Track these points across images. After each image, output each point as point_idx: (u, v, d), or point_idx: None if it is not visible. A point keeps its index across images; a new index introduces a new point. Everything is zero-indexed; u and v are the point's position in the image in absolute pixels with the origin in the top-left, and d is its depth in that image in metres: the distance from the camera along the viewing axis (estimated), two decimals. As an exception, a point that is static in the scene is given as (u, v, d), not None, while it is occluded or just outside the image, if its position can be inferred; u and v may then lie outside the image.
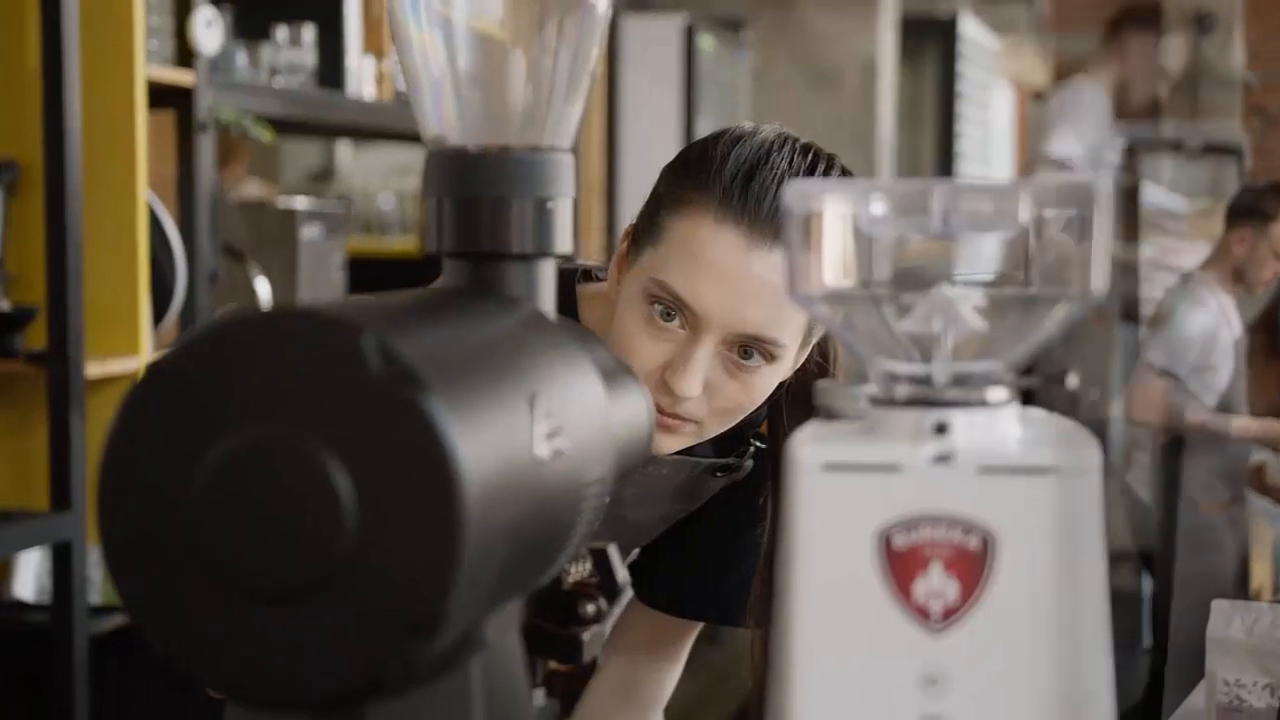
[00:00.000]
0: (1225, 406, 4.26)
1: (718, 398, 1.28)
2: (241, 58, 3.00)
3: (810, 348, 1.36)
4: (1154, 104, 4.72)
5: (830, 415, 0.78)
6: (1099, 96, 4.47)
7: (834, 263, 0.73)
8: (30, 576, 2.71)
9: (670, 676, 1.54)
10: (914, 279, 0.74)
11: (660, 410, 1.27)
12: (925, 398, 0.71)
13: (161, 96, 2.68)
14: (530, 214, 0.82)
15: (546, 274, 0.84)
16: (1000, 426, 0.71)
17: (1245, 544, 4.36)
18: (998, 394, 0.72)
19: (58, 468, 2.38)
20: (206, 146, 2.73)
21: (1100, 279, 0.70)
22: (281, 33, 3.09)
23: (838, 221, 0.72)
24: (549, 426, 0.71)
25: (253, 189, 3.95)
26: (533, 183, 0.82)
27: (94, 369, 2.46)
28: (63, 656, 2.41)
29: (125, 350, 2.54)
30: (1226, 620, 1.96)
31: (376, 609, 0.62)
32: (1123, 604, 4.54)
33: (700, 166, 1.28)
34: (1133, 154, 4.67)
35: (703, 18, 5.53)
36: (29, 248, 2.46)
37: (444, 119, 0.84)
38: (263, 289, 2.97)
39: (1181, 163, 7.11)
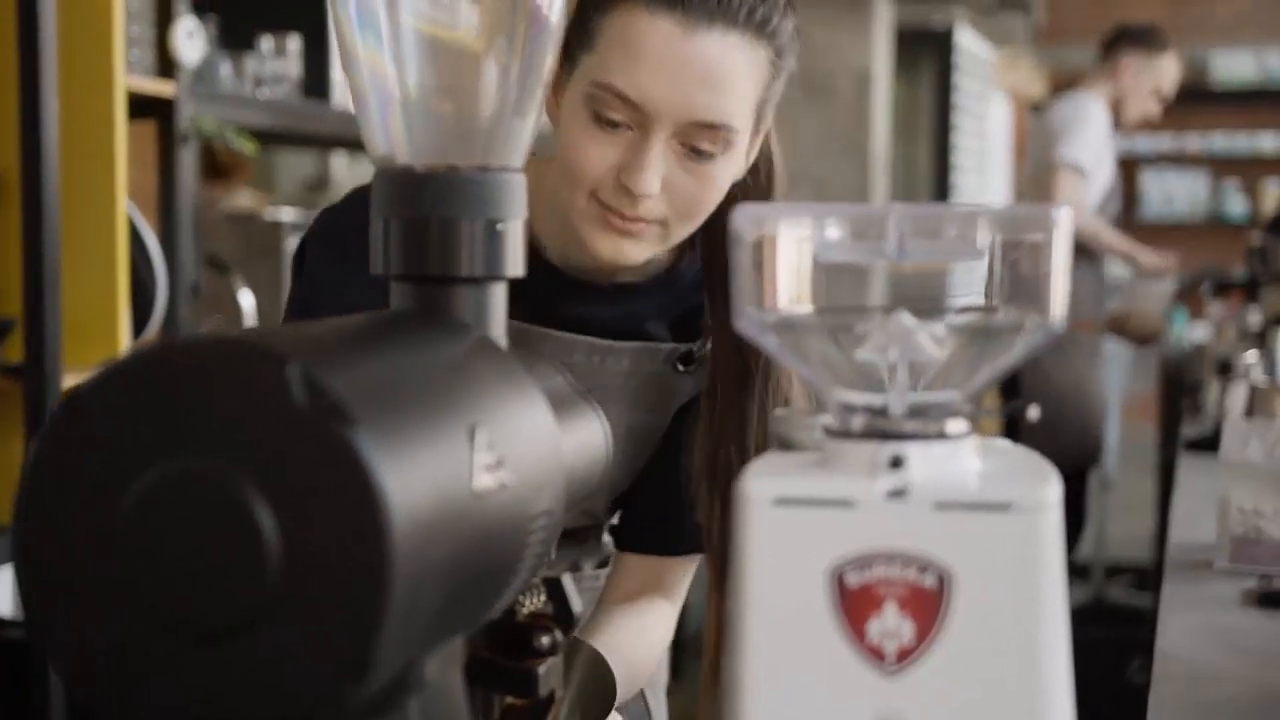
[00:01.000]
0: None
1: (677, 195, 1.26)
2: (226, 68, 2.98)
3: (761, 137, 1.33)
4: (1149, 121, 4.74)
5: (786, 445, 0.75)
6: (1102, 110, 4.51)
7: (786, 288, 0.70)
8: (7, 591, 2.68)
9: (670, 620, 1.49)
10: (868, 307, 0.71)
11: (621, 215, 1.25)
12: (881, 430, 0.69)
13: (143, 107, 2.65)
14: (480, 236, 0.80)
15: (498, 297, 0.81)
16: (958, 460, 0.69)
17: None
18: (956, 425, 0.69)
19: (33, 482, 2.34)
20: (188, 158, 2.71)
21: (1060, 308, 0.67)
22: (266, 43, 3.06)
23: (790, 246, 0.70)
24: (490, 458, 0.68)
25: (245, 199, 3.93)
26: (482, 203, 0.80)
27: (72, 382, 2.43)
28: (39, 672, 2.38)
29: (104, 363, 2.51)
30: (1242, 441, 1.85)
31: (303, 650, 0.59)
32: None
33: None
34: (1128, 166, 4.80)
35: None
36: (6, 259, 2.43)
37: (392, 137, 0.82)
38: (247, 301, 2.94)
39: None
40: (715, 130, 1.23)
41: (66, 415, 0.61)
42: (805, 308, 0.71)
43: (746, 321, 0.70)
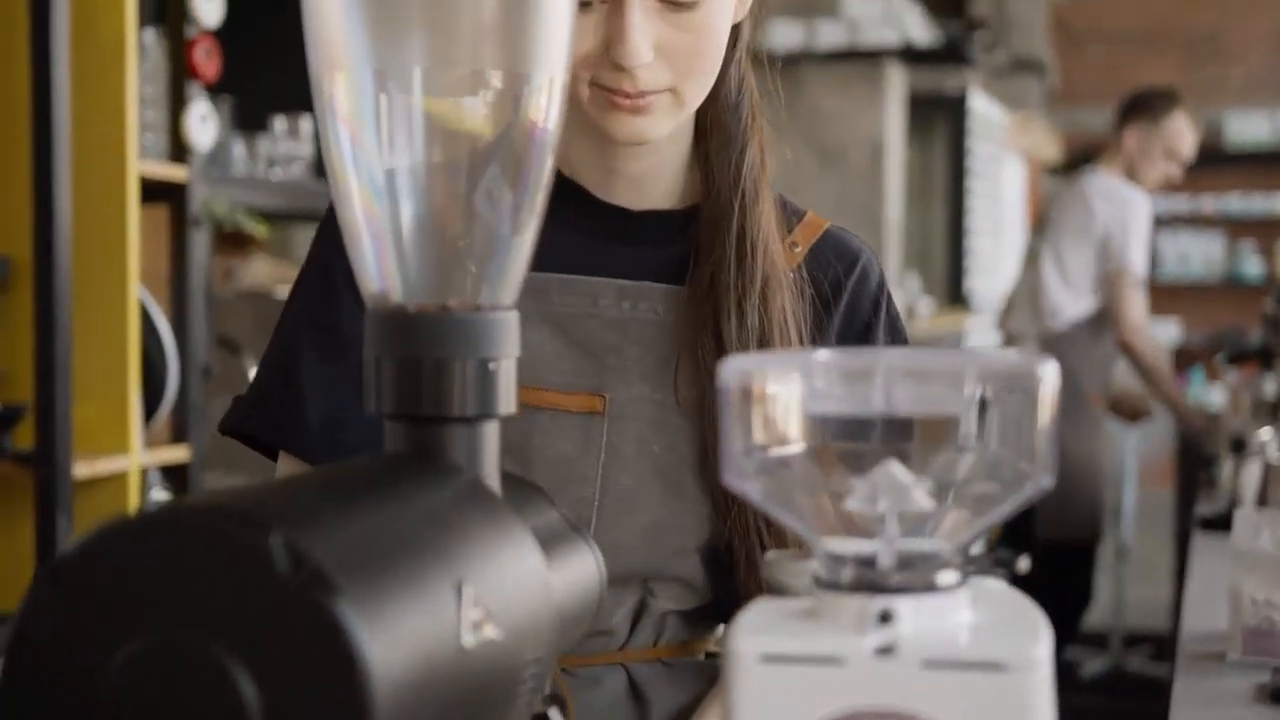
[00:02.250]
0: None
1: (674, 55, 1.18)
2: (239, 148, 3.00)
3: None
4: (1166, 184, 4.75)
5: (777, 590, 0.75)
6: (1143, 200, 4.51)
7: (773, 439, 0.70)
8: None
9: None
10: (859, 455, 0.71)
11: (625, 94, 1.18)
12: (870, 582, 0.68)
13: (155, 191, 2.67)
14: (472, 375, 0.80)
15: (490, 436, 0.81)
16: (949, 613, 0.68)
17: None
18: (946, 577, 0.69)
19: (43, 570, 2.34)
20: (200, 241, 2.72)
21: (1047, 466, 0.67)
22: (279, 124, 3.08)
23: (777, 397, 0.70)
24: (478, 614, 0.68)
25: (261, 267, 3.95)
26: (475, 343, 0.80)
27: (83, 469, 2.44)
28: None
29: (115, 449, 2.51)
30: (1253, 530, 1.82)
31: (286, 820, 0.59)
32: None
33: None
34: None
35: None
36: (18, 345, 2.44)
37: (384, 275, 0.82)
38: (258, 381, 2.94)
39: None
40: None
41: (49, 584, 0.61)
42: (792, 457, 0.70)
43: (732, 471, 0.70)
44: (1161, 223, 10.16)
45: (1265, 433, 3.09)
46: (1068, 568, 4.45)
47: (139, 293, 2.57)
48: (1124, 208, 4.50)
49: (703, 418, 1.24)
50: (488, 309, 0.81)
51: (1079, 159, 10.11)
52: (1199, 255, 10.16)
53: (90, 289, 2.50)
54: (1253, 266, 10.06)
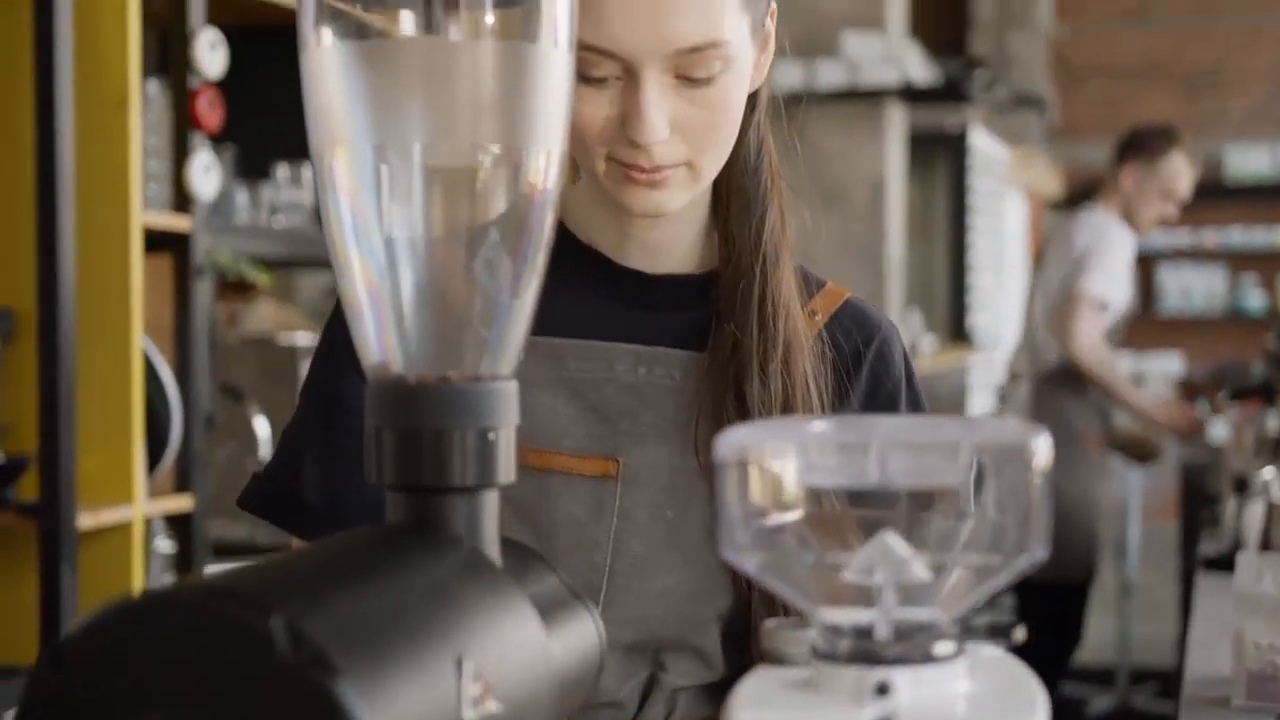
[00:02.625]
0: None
1: (691, 131, 1.16)
2: (242, 196, 3.02)
3: (771, 39, 1.24)
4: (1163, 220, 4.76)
5: (776, 659, 0.75)
6: (1125, 233, 4.52)
7: (769, 511, 0.71)
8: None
9: None
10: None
11: (641, 169, 1.17)
12: (867, 653, 0.69)
13: (159, 241, 2.69)
14: (472, 446, 0.80)
15: (489, 505, 0.82)
16: (946, 683, 0.68)
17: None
18: (943, 648, 0.69)
19: (48, 623, 2.35)
20: (203, 290, 2.74)
21: (1041, 538, 0.68)
22: (282, 171, 3.10)
23: (773, 469, 0.70)
24: (478, 688, 0.69)
25: (266, 311, 3.96)
26: (474, 414, 0.81)
27: (87, 520, 2.44)
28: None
29: (119, 499, 2.52)
30: (1256, 574, 1.81)
31: None
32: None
33: None
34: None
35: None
36: (22, 396, 2.45)
37: (385, 347, 0.82)
38: (261, 428, 2.96)
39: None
40: (703, 52, 1.13)
41: (51, 665, 0.62)
42: (788, 529, 0.71)
43: (729, 543, 0.71)
44: (1163, 256, 10.19)
45: (1268, 472, 3.09)
46: (1060, 607, 4.44)
47: (142, 343, 2.58)
48: (1099, 235, 4.52)
49: None
50: (487, 379, 0.82)
51: (1080, 194, 10.14)
52: (1201, 289, 10.18)
53: (94, 340, 2.51)
54: (1255, 299, 10.07)
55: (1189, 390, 10.04)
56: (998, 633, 0.71)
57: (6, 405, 2.47)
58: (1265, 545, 2.88)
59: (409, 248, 0.81)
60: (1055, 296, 4.55)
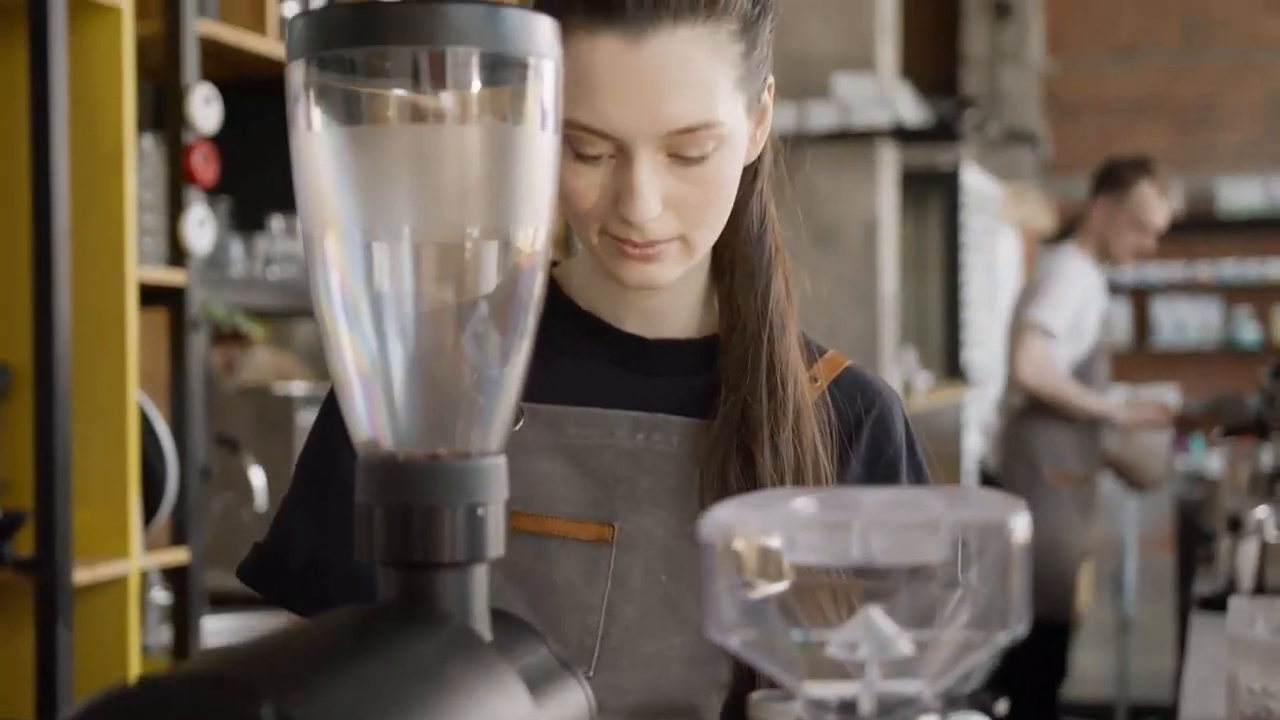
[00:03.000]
0: (1080, 379, 4.52)
1: (684, 207, 1.17)
2: (237, 248, 3.03)
3: (768, 116, 1.24)
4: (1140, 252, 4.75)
5: (764, 732, 0.76)
6: (1085, 267, 4.53)
7: (754, 589, 0.72)
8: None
9: None
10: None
11: (634, 244, 1.17)
12: (852, 729, 0.70)
13: (154, 295, 2.70)
14: (462, 521, 0.82)
15: (479, 579, 0.83)
16: (930, 758, 0.69)
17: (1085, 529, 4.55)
18: (927, 722, 0.70)
19: (44, 678, 2.35)
20: (198, 344, 2.75)
21: (1021, 615, 0.69)
22: (277, 223, 3.12)
23: (757, 548, 0.71)
24: (468, 767, 0.70)
25: (263, 358, 3.97)
26: (464, 490, 0.82)
27: (83, 574, 2.45)
28: None
29: (115, 553, 2.53)
30: (1249, 619, 1.81)
31: None
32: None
33: None
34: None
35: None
36: (18, 451, 2.46)
37: (375, 424, 0.83)
38: (258, 479, 2.96)
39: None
40: (696, 133, 1.14)
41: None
42: (772, 607, 0.72)
43: (713, 621, 0.72)
44: (1157, 290, 10.22)
45: (1261, 511, 3.09)
46: (1043, 646, 4.43)
47: (138, 397, 2.59)
48: (1052, 267, 4.54)
49: None
50: (476, 455, 0.83)
51: (1073, 229, 10.17)
52: (1195, 322, 10.20)
53: (90, 395, 2.52)
54: (1249, 332, 10.10)
55: (1184, 424, 10.06)
56: (980, 704, 0.72)
57: (3, 461, 2.48)
58: (1260, 584, 2.88)
59: (398, 326, 0.83)
60: (1007, 330, 4.61)
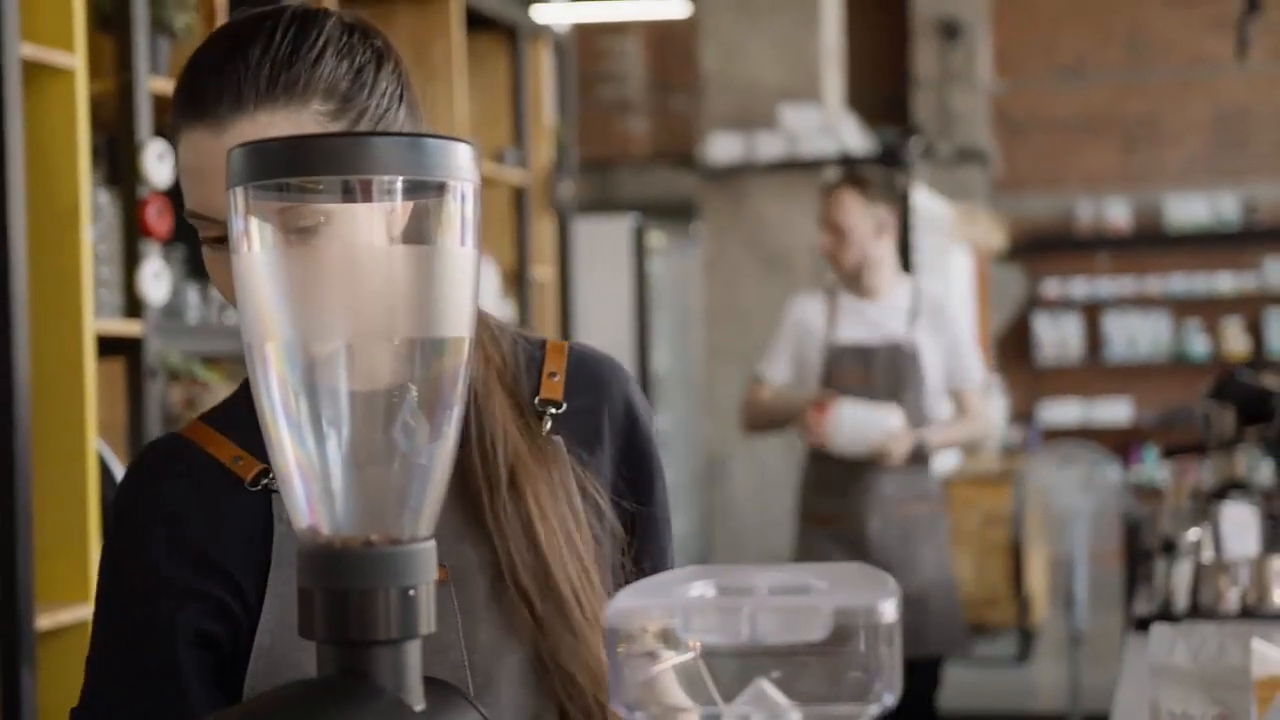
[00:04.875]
0: None
1: None
2: (193, 295, 3.10)
3: None
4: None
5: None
6: (794, 304, 4.29)
7: (655, 668, 0.80)
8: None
9: None
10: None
11: None
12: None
13: (111, 346, 2.76)
14: (395, 602, 0.89)
15: (412, 654, 0.90)
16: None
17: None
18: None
19: (9, 722, 2.41)
20: (155, 392, 2.81)
21: (894, 685, 0.77)
22: (231, 269, 3.19)
23: (656, 632, 0.79)
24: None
25: (223, 395, 4.02)
26: (396, 573, 0.90)
27: (44, 620, 2.51)
28: None
29: (77, 599, 2.59)
30: (1169, 645, 1.89)
31: None
32: None
33: (175, 90, 1.23)
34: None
35: (654, 213, 5.70)
36: (-20, 501, 2.52)
37: (314, 513, 0.91)
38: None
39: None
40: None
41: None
42: (669, 684, 0.80)
43: (618, 698, 0.80)
44: (1109, 304, 10.36)
45: (1194, 533, 3.17)
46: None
47: (97, 445, 2.65)
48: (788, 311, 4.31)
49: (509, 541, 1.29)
50: (407, 540, 0.91)
51: (1025, 245, 10.36)
52: (1146, 336, 10.35)
53: (49, 444, 2.58)
54: (1199, 345, 10.26)
55: (1136, 436, 10.21)
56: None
57: (-35, 510, 2.54)
58: (1194, 606, 2.97)
59: (333, 425, 0.90)
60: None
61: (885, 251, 4.12)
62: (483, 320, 1.34)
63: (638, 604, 0.80)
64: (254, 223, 0.90)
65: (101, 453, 2.68)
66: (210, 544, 1.28)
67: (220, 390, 3.82)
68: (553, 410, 1.34)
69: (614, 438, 1.37)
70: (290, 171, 0.88)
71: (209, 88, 1.20)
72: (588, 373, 1.38)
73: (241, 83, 1.20)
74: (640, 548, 1.37)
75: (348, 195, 0.89)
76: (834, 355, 4.15)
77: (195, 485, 1.30)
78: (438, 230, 0.90)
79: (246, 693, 1.28)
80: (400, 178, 0.88)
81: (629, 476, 1.38)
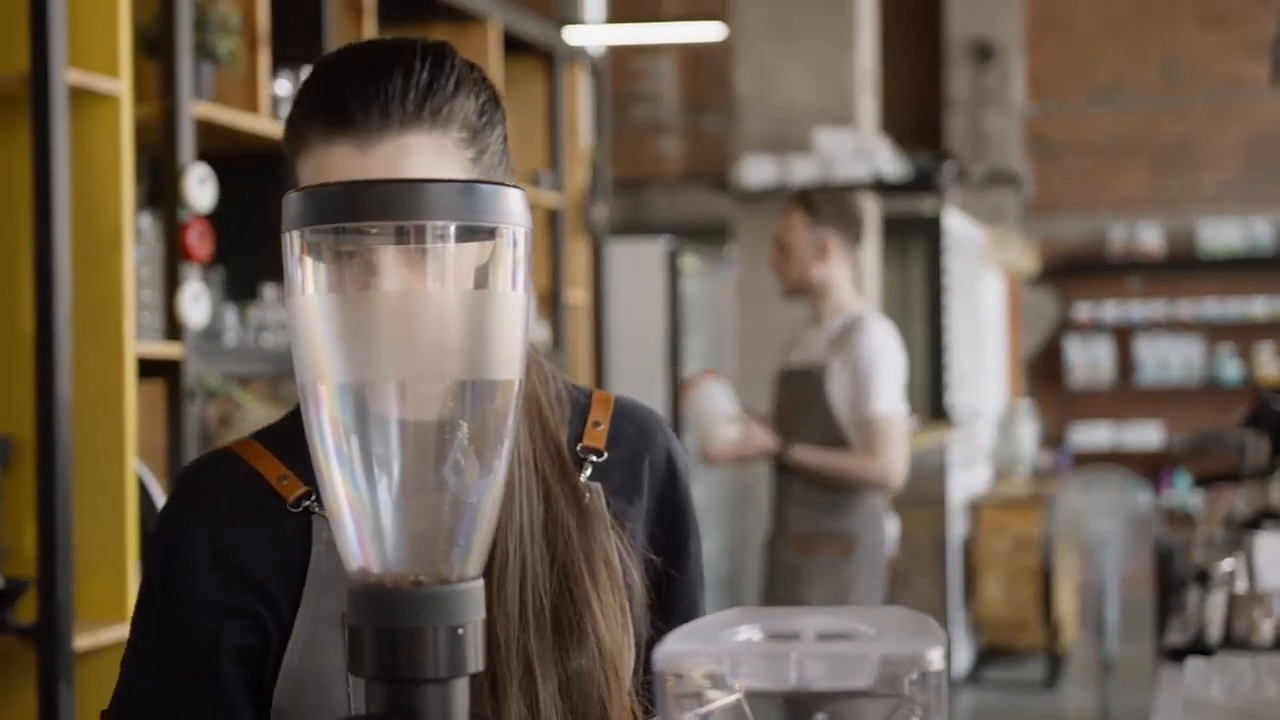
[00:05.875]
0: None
1: None
2: (231, 316, 3.12)
3: None
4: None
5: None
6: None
7: (703, 711, 0.81)
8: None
9: None
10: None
11: None
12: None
13: (151, 368, 2.79)
14: (444, 641, 0.91)
15: (460, 692, 0.92)
16: None
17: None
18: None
19: (47, 743, 2.43)
20: (194, 414, 2.84)
21: (938, 735, 0.78)
22: (270, 291, 3.21)
23: (704, 676, 0.80)
24: None
25: (258, 412, 4.04)
26: (445, 613, 0.91)
27: (84, 640, 2.53)
28: None
29: (115, 619, 2.61)
30: (1205, 679, 1.89)
31: None
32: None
33: (300, 103, 1.26)
34: None
35: (686, 235, 5.72)
36: (21, 521, 2.54)
37: (365, 553, 0.92)
38: (251, 541, 3.04)
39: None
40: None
41: None
42: (720, 725, 0.81)
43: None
44: (1140, 328, 10.33)
45: (1228, 563, 3.16)
46: None
47: (136, 466, 2.67)
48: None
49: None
50: (456, 580, 0.92)
51: (1057, 268, 10.35)
52: (1178, 360, 10.31)
53: (90, 466, 2.60)
54: (1231, 370, 10.21)
55: (1168, 461, 10.17)
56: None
57: (6, 529, 2.56)
58: (1227, 637, 2.96)
59: (384, 465, 0.92)
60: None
61: (834, 276, 4.07)
62: (534, 363, 1.35)
63: (686, 648, 0.81)
64: (309, 265, 0.91)
65: (140, 474, 2.70)
66: (250, 560, 1.29)
67: (254, 410, 3.85)
68: (593, 458, 1.35)
69: (652, 491, 1.39)
70: (347, 216, 0.89)
71: (354, 105, 1.22)
72: (632, 425, 1.40)
73: (389, 103, 1.23)
74: (670, 601, 1.38)
75: (401, 239, 0.91)
76: (778, 378, 4.19)
77: (239, 501, 1.32)
78: (490, 274, 0.92)
79: (274, 710, 1.29)
80: (454, 223, 0.89)
81: (664, 530, 1.39)
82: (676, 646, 0.81)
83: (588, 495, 1.32)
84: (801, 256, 4.05)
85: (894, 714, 0.80)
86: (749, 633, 0.83)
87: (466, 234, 0.90)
